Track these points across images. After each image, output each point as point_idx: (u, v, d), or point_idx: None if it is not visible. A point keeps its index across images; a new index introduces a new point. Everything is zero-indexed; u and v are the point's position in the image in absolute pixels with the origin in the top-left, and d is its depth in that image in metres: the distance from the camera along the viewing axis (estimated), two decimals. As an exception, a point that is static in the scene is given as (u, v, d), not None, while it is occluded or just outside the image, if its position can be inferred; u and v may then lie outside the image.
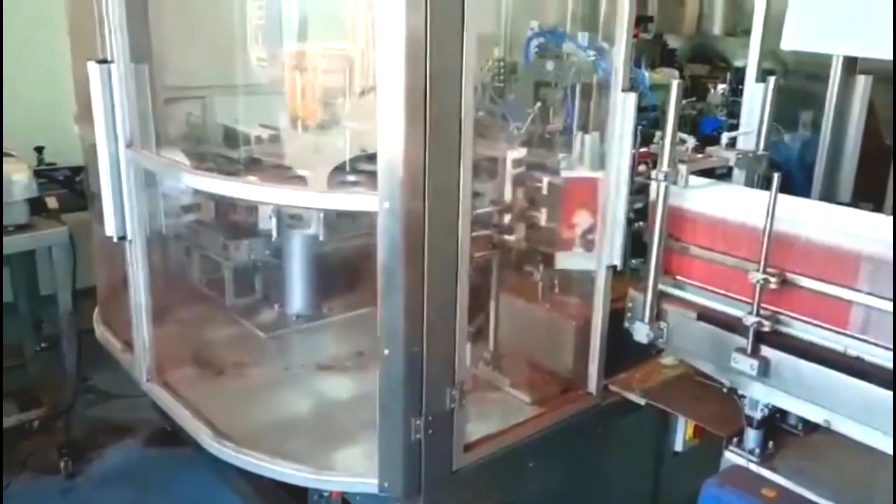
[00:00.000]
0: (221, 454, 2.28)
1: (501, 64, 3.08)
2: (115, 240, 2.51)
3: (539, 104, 2.75)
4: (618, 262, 2.37)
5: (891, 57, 1.88)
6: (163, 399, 2.59)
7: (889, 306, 1.85)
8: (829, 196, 2.96)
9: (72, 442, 3.54)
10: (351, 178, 2.53)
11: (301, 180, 2.54)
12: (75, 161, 3.66)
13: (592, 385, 2.50)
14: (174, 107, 3.23)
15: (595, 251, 2.35)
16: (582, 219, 2.34)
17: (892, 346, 1.87)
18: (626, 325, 2.38)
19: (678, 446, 2.62)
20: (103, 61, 2.38)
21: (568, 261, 2.40)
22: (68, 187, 3.90)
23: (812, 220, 2.01)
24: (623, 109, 2.23)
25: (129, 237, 2.50)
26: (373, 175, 1.88)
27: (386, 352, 1.97)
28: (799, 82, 3.25)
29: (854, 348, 1.95)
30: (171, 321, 2.86)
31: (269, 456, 2.22)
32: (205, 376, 2.71)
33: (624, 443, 2.65)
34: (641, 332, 2.31)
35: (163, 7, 2.80)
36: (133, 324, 2.63)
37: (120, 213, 2.48)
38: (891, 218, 1.99)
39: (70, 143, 3.27)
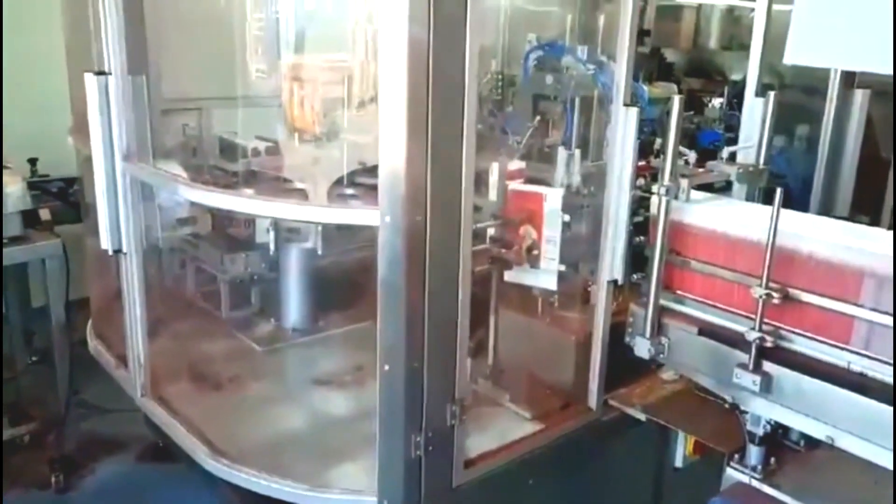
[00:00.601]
0: (216, 471, 2.25)
1: (500, 77, 3.08)
2: (110, 253, 2.48)
3: (538, 118, 2.74)
4: (619, 276, 2.36)
5: (891, 72, 1.88)
6: (157, 415, 2.55)
7: (889, 320, 1.84)
8: (827, 209, 2.97)
9: (63, 456, 3.49)
10: (350, 191, 2.51)
11: (300, 193, 2.53)
12: (69, 172, 3.63)
13: (593, 400, 2.48)
14: (171, 119, 3.22)
15: (541, 267, 2.32)
16: (527, 233, 2.32)
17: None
18: (627, 339, 2.36)
19: (678, 462, 2.60)
20: (100, 73, 2.36)
21: (515, 276, 2.38)
22: (62, 199, 3.86)
23: (814, 234, 2.00)
24: (625, 124, 2.23)
25: (124, 250, 2.47)
26: (372, 188, 1.87)
27: (386, 367, 1.95)
28: (795, 96, 3.26)
29: (857, 364, 1.94)
30: (166, 335, 2.83)
31: (265, 472, 2.19)
32: (200, 391, 2.67)
33: (624, 458, 2.63)
34: (642, 347, 2.29)
35: (160, 18, 2.79)
36: (128, 338, 2.60)
37: (115, 226, 2.46)
38: (891, 232, 1.99)
39: (63, 155, 3.25)
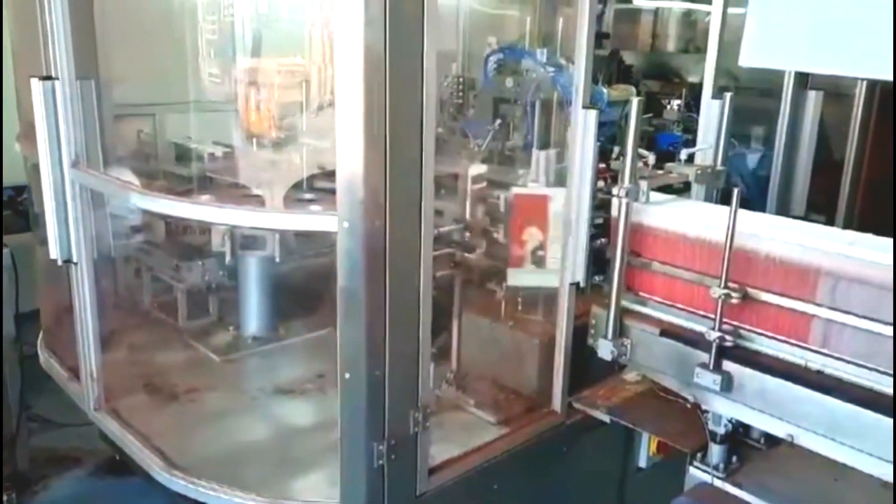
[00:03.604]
0: (172, 484, 2.19)
1: (460, 80, 3.07)
2: (59, 263, 2.40)
3: (499, 121, 2.74)
4: (581, 279, 2.36)
5: (845, 73, 1.92)
6: (111, 428, 2.48)
7: (849, 319, 1.88)
8: (783, 209, 3.02)
9: (16, 473, 3.38)
10: (308, 196, 2.47)
11: (256, 199, 2.48)
12: (18, 180, 3.52)
13: (557, 403, 2.48)
14: (125, 124, 3.14)
15: (547, 267, 2.34)
16: (532, 236, 2.33)
17: (853, 359, 1.89)
18: (590, 341, 2.37)
19: (642, 462, 2.63)
20: (47, 78, 2.28)
21: (520, 278, 2.39)
22: (11, 208, 3.76)
23: (771, 234, 2.03)
24: (584, 126, 2.23)
25: (74, 260, 2.39)
26: (332, 193, 1.83)
27: (346, 375, 1.91)
28: (751, 98, 3.31)
29: (814, 362, 1.97)
30: (120, 346, 2.76)
31: (224, 485, 2.13)
32: (156, 403, 2.61)
33: (589, 460, 2.63)
34: (605, 349, 2.30)
35: (111, 22, 2.72)
36: (80, 350, 2.52)
37: (65, 235, 2.38)
38: (849, 233, 2.02)
39: (12, 162, 3.15)
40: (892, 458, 1.80)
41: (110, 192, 2.42)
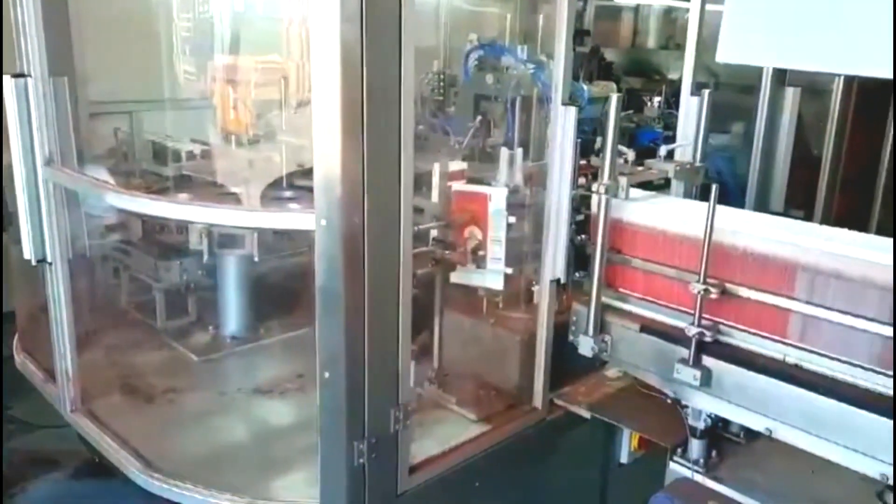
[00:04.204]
0: (149, 486, 2.17)
1: (441, 77, 3.06)
2: (34, 263, 2.37)
3: (480, 117, 2.73)
4: (561, 275, 2.36)
5: (822, 69, 1.93)
6: (88, 430, 2.45)
7: (826, 314, 1.88)
8: (762, 205, 3.03)
9: (-8, 476, 3.32)
10: (287, 194, 2.45)
11: (234, 198, 2.45)
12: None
13: (538, 400, 2.48)
14: (101, 122, 3.10)
15: (487, 267, 2.32)
16: (472, 234, 2.31)
17: (829, 352, 1.90)
18: (571, 338, 2.37)
19: (624, 458, 2.63)
20: (20, 75, 2.25)
21: (462, 276, 2.37)
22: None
23: (749, 230, 2.04)
24: (564, 122, 2.23)
25: (48, 260, 2.36)
26: (311, 191, 1.82)
27: (326, 374, 1.90)
28: (731, 95, 3.33)
29: (792, 356, 1.98)
30: (97, 347, 2.73)
31: (203, 486, 2.11)
32: (134, 404, 2.58)
33: (570, 456, 2.63)
34: (586, 346, 2.30)
35: (86, 17, 2.68)
36: (55, 351, 2.48)
37: (39, 234, 2.35)
38: (827, 228, 2.04)
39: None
40: (875, 452, 1.82)
41: (84, 191, 2.39)
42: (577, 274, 2.39)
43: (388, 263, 1.89)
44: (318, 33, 1.71)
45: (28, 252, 2.35)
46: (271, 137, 2.57)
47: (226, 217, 2.05)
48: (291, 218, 1.94)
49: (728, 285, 2.03)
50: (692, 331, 2.05)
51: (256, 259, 2.52)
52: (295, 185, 2.45)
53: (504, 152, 2.47)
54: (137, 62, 2.96)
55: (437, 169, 2.29)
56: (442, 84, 3.08)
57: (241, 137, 2.54)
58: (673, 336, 2.16)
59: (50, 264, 2.38)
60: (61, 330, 2.44)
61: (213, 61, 2.58)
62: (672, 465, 2.25)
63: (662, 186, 2.63)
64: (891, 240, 1.87)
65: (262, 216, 2.15)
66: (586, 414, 2.44)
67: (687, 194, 2.55)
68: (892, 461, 1.79)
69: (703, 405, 2.16)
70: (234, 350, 2.90)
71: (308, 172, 1.93)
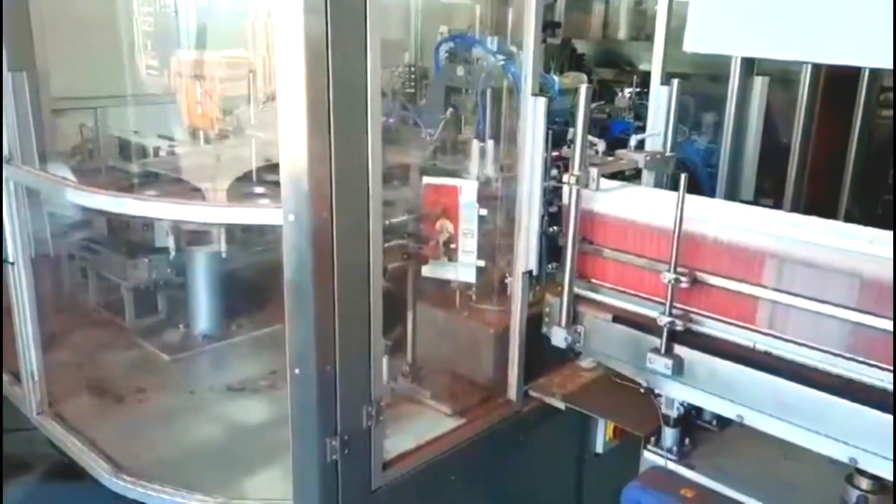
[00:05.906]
0: (118, 488, 2.15)
1: (412, 69, 3.04)
2: (-5, 263, 2.32)
3: (451, 110, 2.71)
4: (534, 267, 2.35)
5: (788, 58, 1.94)
6: (55, 433, 2.41)
7: (795, 301, 1.90)
8: (732, 195, 3.04)
9: (-40, 483, 3.25)
10: (258, 189, 2.42)
11: (200, 193, 2.42)
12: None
13: (512, 392, 2.48)
14: (65, 119, 3.03)
15: (459, 260, 2.32)
16: (443, 227, 2.31)
17: (798, 339, 1.92)
18: (544, 329, 2.37)
19: (599, 448, 2.65)
20: (-24, 71, 2.20)
21: (434, 269, 2.37)
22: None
23: (718, 219, 2.04)
24: (534, 114, 2.22)
25: (10, 260, 2.31)
26: (278, 186, 1.79)
27: (296, 371, 1.88)
28: (700, 84, 3.33)
29: (762, 343, 1.99)
30: (63, 348, 2.69)
31: (173, 487, 2.09)
32: (103, 405, 2.54)
33: (546, 448, 2.64)
34: (559, 337, 2.30)
35: (48, 12, 2.62)
36: (20, 353, 2.44)
37: (-1, 234, 2.30)
38: (794, 215, 2.05)
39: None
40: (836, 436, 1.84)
41: (46, 189, 2.34)
42: (550, 265, 2.39)
43: (358, 258, 1.88)
44: (283, 25, 1.69)
45: (-11, 252, 2.31)
46: (239, 132, 2.53)
47: (191, 213, 2.01)
48: (258, 213, 1.92)
49: (699, 274, 2.04)
50: (664, 320, 2.06)
51: (224, 255, 2.49)
52: (265, 179, 2.42)
53: (475, 144, 2.46)
54: (101, 57, 2.90)
55: (409, 162, 2.27)
56: (413, 77, 3.06)
57: (208, 133, 2.50)
58: (645, 325, 2.17)
59: (12, 264, 2.33)
60: (26, 331, 2.40)
61: (178, 56, 2.54)
62: (646, 454, 2.26)
63: (634, 177, 2.64)
64: (858, 227, 1.89)
65: (229, 212, 2.12)
66: (561, 405, 2.44)
67: (658, 184, 2.55)
68: (861, 445, 1.81)
69: (676, 394, 2.17)
70: (205, 348, 2.87)
71: (274, 167, 1.91)
